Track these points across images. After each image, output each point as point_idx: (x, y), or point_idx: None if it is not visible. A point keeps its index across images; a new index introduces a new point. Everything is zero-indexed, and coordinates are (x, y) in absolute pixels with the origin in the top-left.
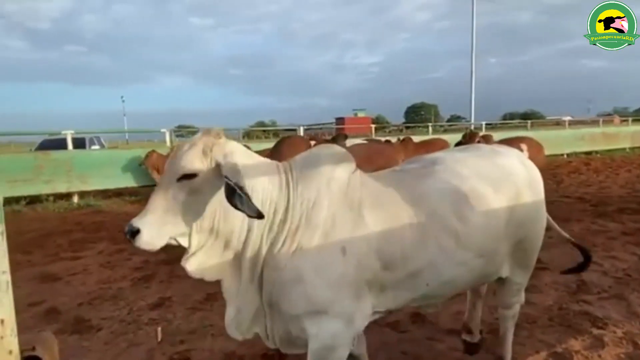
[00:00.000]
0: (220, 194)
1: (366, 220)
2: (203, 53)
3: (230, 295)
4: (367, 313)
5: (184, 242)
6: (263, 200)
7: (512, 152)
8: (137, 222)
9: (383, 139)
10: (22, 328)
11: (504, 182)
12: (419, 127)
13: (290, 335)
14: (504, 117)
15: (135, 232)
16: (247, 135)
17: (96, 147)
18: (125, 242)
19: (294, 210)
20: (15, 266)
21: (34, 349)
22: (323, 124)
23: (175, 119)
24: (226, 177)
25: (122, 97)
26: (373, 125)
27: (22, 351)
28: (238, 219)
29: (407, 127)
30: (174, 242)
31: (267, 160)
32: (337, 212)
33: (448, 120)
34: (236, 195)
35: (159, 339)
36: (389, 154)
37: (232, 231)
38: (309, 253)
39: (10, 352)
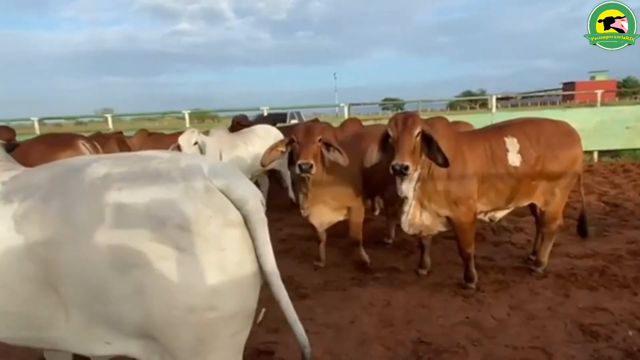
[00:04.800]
0: None
1: None
2: (411, 23)
3: None
4: None
5: None
6: None
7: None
8: None
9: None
10: None
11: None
12: None
13: None
14: None
15: None
16: (451, 107)
17: (295, 121)
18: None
19: None
20: None
21: None
22: (545, 90)
23: (383, 92)
24: None
25: (334, 74)
26: (598, 91)
27: None
28: None
29: None
30: None
31: None
32: None
33: None
34: None
35: (259, 321)
36: None
37: None
38: None
39: None
